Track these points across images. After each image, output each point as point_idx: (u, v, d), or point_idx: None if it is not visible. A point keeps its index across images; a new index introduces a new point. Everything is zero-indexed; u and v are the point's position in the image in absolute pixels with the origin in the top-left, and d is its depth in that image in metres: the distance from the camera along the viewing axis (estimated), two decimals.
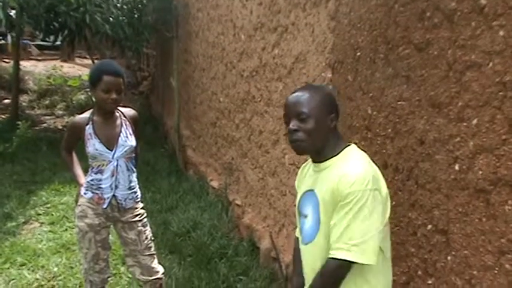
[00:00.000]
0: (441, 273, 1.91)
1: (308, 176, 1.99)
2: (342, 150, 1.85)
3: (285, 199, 3.70)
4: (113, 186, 2.92)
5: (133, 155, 3.03)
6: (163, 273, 3.17)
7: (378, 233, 1.70)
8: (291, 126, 1.83)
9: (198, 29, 6.43)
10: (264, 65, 4.03)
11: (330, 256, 1.72)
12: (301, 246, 1.96)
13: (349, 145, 1.89)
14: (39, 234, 4.85)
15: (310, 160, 2.01)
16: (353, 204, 1.67)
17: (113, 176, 2.91)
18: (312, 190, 1.88)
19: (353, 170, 1.73)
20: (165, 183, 6.24)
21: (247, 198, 4.61)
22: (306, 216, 1.91)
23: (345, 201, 1.69)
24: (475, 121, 1.72)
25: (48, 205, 5.62)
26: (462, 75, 1.78)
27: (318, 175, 1.88)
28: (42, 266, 4.17)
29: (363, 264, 1.69)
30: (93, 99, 3.16)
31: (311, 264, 1.88)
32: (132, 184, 3.01)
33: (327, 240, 1.77)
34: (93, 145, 2.86)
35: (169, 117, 8.46)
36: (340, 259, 1.69)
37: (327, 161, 1.85)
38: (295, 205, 3.37)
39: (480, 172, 1.69)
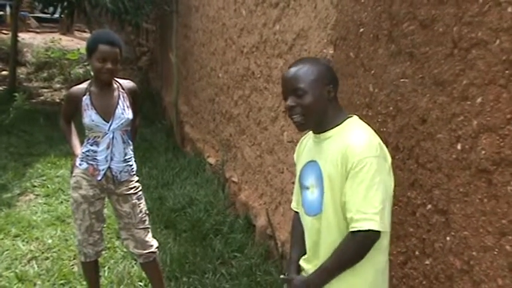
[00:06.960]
0: (439, 254, 1.89)
1: (308, 148, 1.95)
2: (344, 120, 1.83)
3: (282, 177, 3.66)
4: (108, 158, 2.89)
5: (129, 128, 3.00)
6: (157, 247, 3.15)
7: (389, 200, 1.71)
8: (288, 102, 1.82)
9: (198, 4, 6.32)
10: (264, 41, 3.97)
11: (354, 229, 1.65)
12: (305, 218, 1.90)
13: (351, 116, 1.87)
14: (34, 206, 4.83)
15: (309, 133, 1.98)
16: (365, 172, 1.65)
17: (108, 148, 2.88)
18: (314, 161, 1.85)
19: (360, 138, 1.73)
20: (162, 159, 6.20)
21: (244, 176, 4.59)
22: (308, 188, 1.87)
23: (356, 169, 1.66)
24: (479, 100, 1.68)
25: (44, 177, 5.59)
26: (467, 52, 1.74)
27: (319, 146, 1.85)
28: (37, 238, 4.15)
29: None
30: (91, 72, 3.11)
31: (315, 237, 1.83)
32: (127, 157, 2.98)
33: (335, 212, 1.74)
34: (90, 116, 2.83)
35: (168, 93, 8.39)
36: (367, 230, 1.63)
37: (328, 132, 1.83)
38: (293, 182, 3.36)
39: (483, 152, 1.66)
